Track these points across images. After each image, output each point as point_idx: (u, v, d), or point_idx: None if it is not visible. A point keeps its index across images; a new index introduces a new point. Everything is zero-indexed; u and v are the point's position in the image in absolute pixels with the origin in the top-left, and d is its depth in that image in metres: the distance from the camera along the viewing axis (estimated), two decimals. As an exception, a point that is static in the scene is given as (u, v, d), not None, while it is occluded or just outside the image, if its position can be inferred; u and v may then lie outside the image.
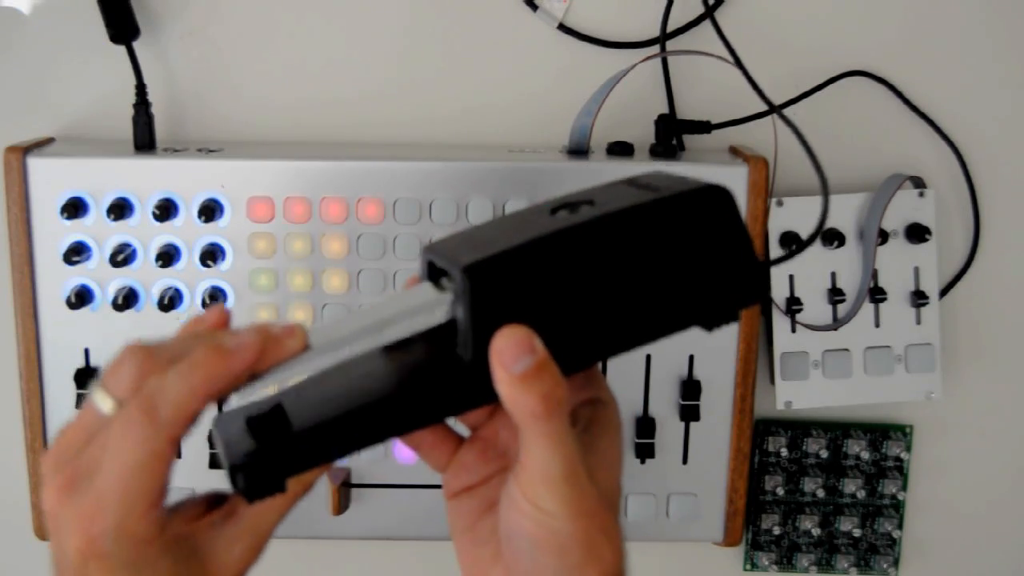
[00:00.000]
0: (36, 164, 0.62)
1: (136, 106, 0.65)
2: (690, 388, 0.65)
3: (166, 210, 0.62)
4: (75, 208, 0.62)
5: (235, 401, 0.37)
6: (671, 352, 0.65)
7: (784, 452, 0.72)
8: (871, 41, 0.68)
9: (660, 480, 0.67)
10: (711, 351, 0.65)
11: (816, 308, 0.68)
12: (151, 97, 0.66)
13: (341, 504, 0.65)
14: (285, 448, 0.36)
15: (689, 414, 0.66)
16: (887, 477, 0.72)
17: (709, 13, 0.66)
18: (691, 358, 0.66)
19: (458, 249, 0.38)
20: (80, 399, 0.64)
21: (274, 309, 0.64)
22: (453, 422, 0.42)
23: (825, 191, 0.45)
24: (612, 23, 0.68)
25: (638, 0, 0.68)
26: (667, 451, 0.67)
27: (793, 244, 0.67)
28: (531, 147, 0.68)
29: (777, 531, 0.73)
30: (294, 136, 0.69)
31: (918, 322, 0.69)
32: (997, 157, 0.70)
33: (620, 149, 0.65)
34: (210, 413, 0.37)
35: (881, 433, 0.72)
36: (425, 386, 0.38)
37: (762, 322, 0.68)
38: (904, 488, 0.73)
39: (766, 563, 0.73)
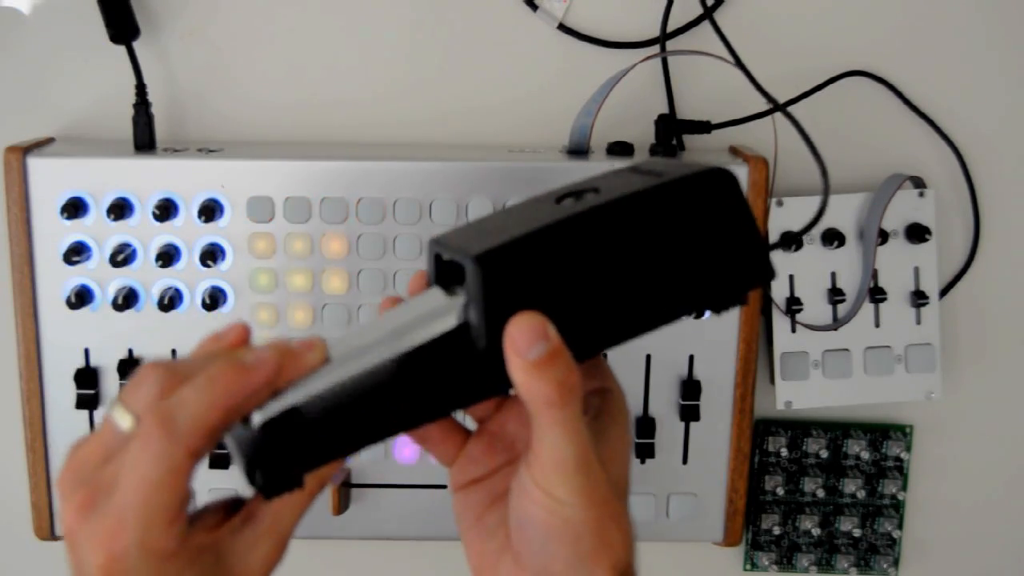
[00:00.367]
0: (36, 164, 0.62)
1: (136, 106, 0.65)
2: (690, 388, 0.65)
3: (166, 210, 0.62)
4: (75, 208, 0.62)
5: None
6: (671, 352, 0.65)
7: (784, 452, 0.72)
8: (871, 41, 0.68)
9: (660, 480, 0.67)
10: (711, 351, 0.65)
11: (816, 308, 0.68)
12: (151, 97, 0.66)
13: (341, 504, 0.65)
14: (301, 442, 0.36)
15: (689, 414, 0.66)
16: (887, 477, 0.72)
17: (709, 13, 0.66)
18: (691, 358, 0.66)
19: (467, 240, 0.38)
20: (80, 399, 0.64)
21: (274, 309, 0.64)
22: (461, 417, 0.42)
23: (825, 178, 0.45)
24: (612, 23, 0.68)
25: (638, 0, 0.68)
26: (667, 451, 0.67)
27: (793, 244, 0.68)
28: (531, 147, 0.68)
29: (777, 531, 0.73)
30: (294, 136, 0.69)
31: (918, 322, 0.69)
32: (997, 157, 0.70)
33: (620, 149, 0.65)
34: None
35: (881, 433, 0.72)
36: (439, 376, 0.38)
37: (762, 322, 0.68)
38: (904, 488, 0.73)
39: (766, 563, 0.73)
